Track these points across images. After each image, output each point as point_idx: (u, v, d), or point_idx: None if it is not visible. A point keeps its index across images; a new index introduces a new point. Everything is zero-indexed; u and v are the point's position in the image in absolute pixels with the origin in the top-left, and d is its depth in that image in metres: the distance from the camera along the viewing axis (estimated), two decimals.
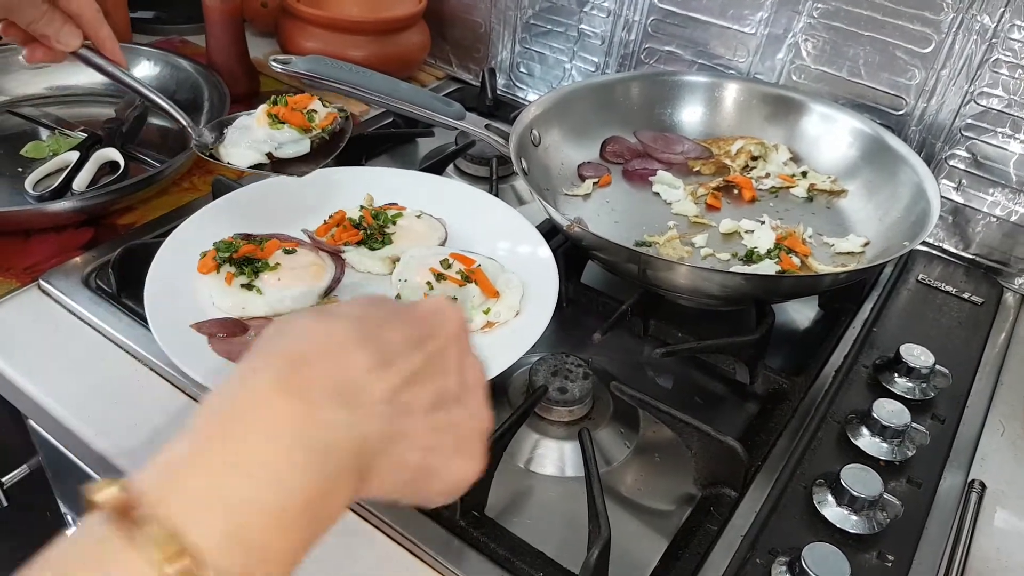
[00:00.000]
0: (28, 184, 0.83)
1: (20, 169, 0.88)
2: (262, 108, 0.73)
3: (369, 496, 0.34)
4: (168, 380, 0.65)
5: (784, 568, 0.51)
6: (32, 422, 0.75)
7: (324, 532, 0.30)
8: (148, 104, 0.94)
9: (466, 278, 0.66)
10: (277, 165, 0.71)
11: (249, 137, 0.71)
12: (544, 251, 0.71)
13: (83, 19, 0.65)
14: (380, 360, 0.33)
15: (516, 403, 0.65)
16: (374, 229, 0.72)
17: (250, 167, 0.71)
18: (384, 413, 0.32)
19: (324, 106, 0.75)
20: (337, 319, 0.34)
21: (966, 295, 0.81)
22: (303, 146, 0.72)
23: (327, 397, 0.31)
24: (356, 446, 0.31)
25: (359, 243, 0.72)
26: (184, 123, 0.71)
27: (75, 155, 0.86)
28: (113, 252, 0.72)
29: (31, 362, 0.66)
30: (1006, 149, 0.82)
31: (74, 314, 0.70)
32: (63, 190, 0.83)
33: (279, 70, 0.79)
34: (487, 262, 0.69)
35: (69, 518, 0.90)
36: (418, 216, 0.75)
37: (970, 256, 0.87)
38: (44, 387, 0.64)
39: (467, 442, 0.36)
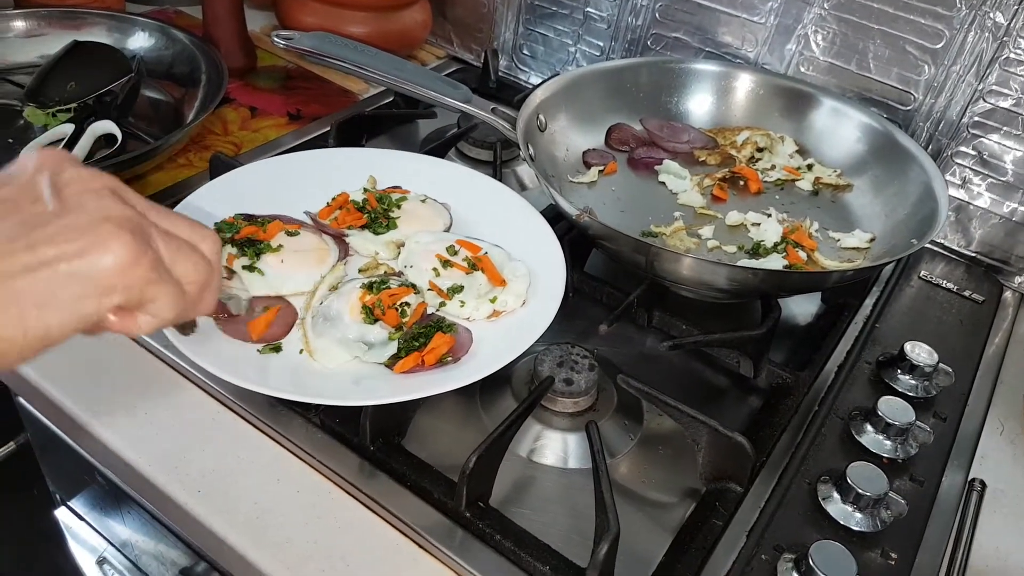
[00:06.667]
0: None
1: (10, 140, 0.85)
2: (356, 294, 0.62)
3: (34, 330, 0.36)
4: (160, 358, 0.63)
5: (791, 565, 0.51)
6: (21, 399, 0.74)
7: None
8: (141, 76, 0.93)
9: (473, 265, 0.65)
10: None
11: (340, 331, 0.60)
12: (551, 240, 0.70)
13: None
14: None
15: (520, 393, 0.64)
16: (378, 213, 0.71)
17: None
18: None
19: (415, 293, 0.64)
20: None
21: (967, 293, 0.81)
22: (389, 349, 0.60)
23: None
24: None
25: (363, 227, 0.70)
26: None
27: (70, 127, 0.83)
28: None
29: None
30: (1012, 148, 0.81)
31: None
32: None
33: (282, 46, 0.77)
34: (494, 249, 0.68)
35: (57, 497, 0.88)
36: (423, 200, 0.73)
37: (971, 254, 0.87)
38: (34, 364, 0.62)
39: (84, 239, 0.37)
